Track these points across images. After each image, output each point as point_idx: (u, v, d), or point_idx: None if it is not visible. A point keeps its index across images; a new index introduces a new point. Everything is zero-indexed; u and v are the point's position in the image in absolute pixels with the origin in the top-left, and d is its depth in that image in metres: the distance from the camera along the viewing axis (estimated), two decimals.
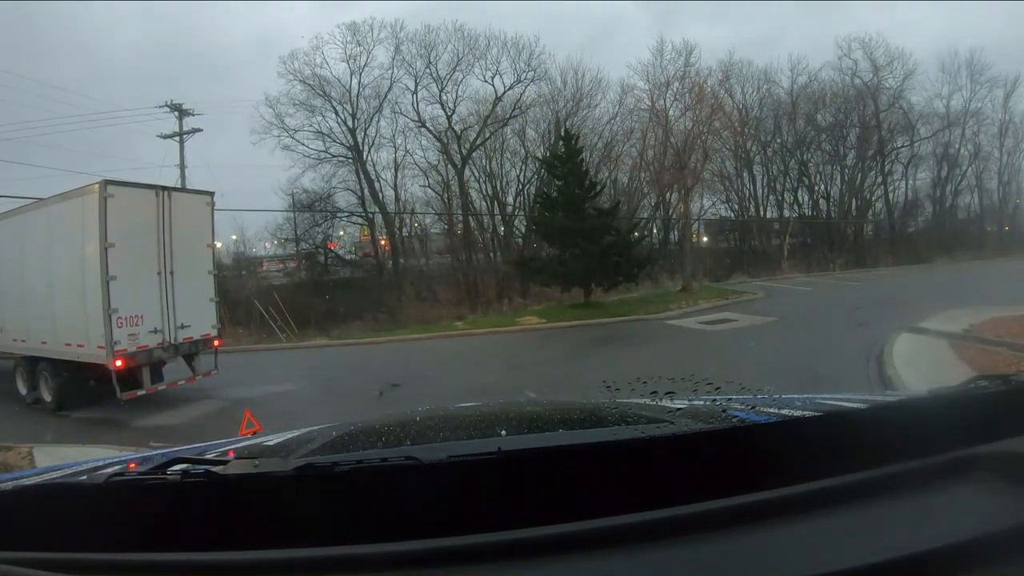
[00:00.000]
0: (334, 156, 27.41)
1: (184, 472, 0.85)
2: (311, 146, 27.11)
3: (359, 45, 26.89)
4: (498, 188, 28.65)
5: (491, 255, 28.44)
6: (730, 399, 1.35)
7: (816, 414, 1.19)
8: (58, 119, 29.91)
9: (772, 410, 1.21)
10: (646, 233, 28.15)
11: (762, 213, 33.45)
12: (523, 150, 28.38)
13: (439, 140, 27.73)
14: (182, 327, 8.81)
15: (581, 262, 17.99)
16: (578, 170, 19.18)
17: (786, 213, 33.31)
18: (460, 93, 27.73)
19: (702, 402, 1.38)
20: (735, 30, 43.39)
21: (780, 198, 33.87)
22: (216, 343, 9.49)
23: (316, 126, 27.07)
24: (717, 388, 1.67)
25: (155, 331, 8.46)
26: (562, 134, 22.04)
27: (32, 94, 30.38)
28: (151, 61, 39.04)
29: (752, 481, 0.81)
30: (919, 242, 33.06)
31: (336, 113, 27.26)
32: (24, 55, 32.56)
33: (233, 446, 1.41)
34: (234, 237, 27.15)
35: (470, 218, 28.09)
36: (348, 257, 29.74)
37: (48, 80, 37.09)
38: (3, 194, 12.70)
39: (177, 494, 0.83)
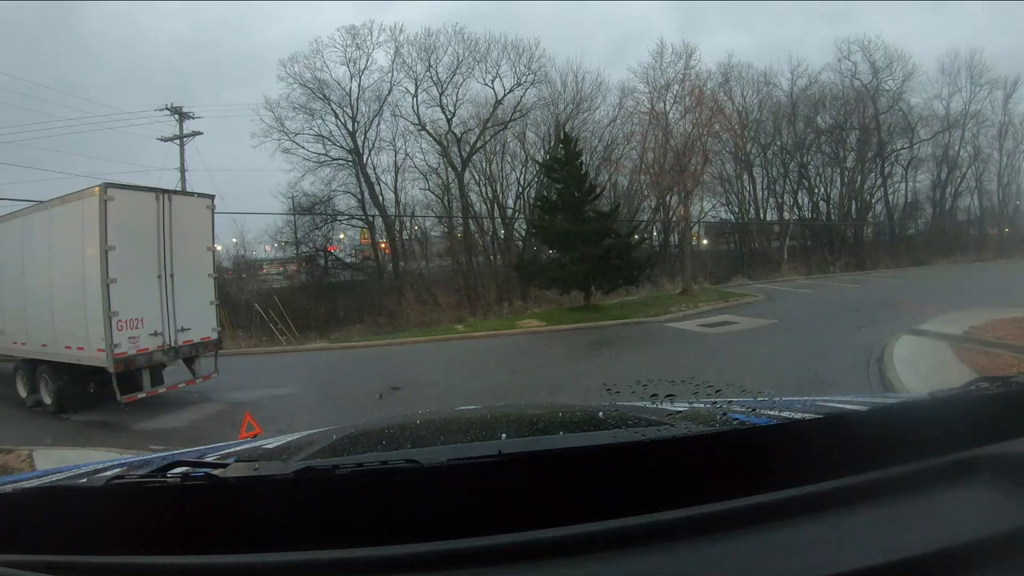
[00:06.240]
0: (334, 159, 27.50)
1: (184, 475, 0.85)
2: (311, 149, 27.21)
3: (359, 48, 27.00)
4: (498, 191, 28.71)
5: (491, 258, 28.45)
6: (730, 402, 1.35)
7: (817, 416, 1.19)
8: (59, 122, 30.09)
9: (772, 413, 1.20)
10: (646, 236, 28.16)
11: (762, 215, 33.53)
12: (523, 153, 28.51)
13: (439, 143, 27.78)
14: (182, 330, 8.80)
15: (581, 265, 17.99)
16: (577, 173, 19.19)
17: (786, 215, 33.38)
18: (460, 96, 27.83)
19: (702, 405, 1.38)
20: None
21: (780, 200, 33.94)
22: (216, 346, 9.48)
23: (316, 129, 27.17)
24: (717, 391, 1.67)
25: (155, 334, 8.45)
26: (561, 137, 22.07)
27: (33, 97, 30.44)
28: (151, 65, 39.17)
29: (752, 484, 0.81)
30: (919, 244, 33.10)
31: (336, 116, 27.36)
32: (25, 58, 32.70)
33: (233, 449, 1.40)
34: (234, 240, 27.21)
35: (470, 221, 28.11)
36: (348, 260, 29.75)
37: (47, 83, 37.23)
38: (3, 197, 12.70)
39: (177, 497, 0.83)
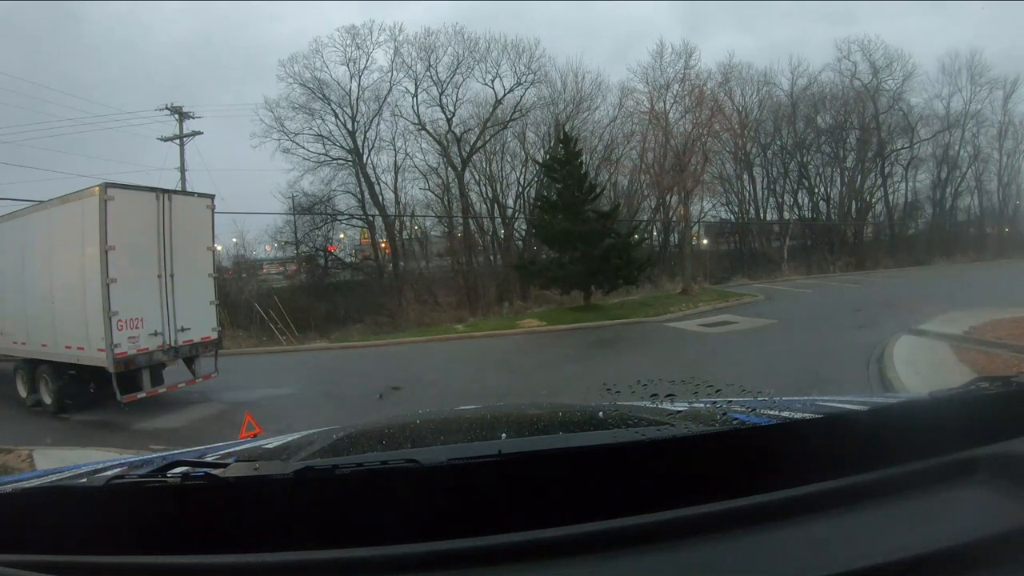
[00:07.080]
0: (334, 159, 27.47)
1: (184, 475, 0.85)
2: (311, 149, 27.18)
3: (358, 48, 26.97)
4: (498, 191, 28.69)
5: (491, 258, 28.43)
6: (730, 401, 1.35)
7: (816, 416, 1.19)
8: (60, 122, 30.06)
9: (772, 412, 1.20)
10: (646, 236, 28.14)
11: (762, 215, 33.53)
12: (523, 153, 28.48)
13: (439, 143, 27.75)
14: (182, 330, 8.80)
15: (581, 265, 17.99)
16: (577, 173, 19.19)
17: (786, 215, 33.38)
18: (460, 96, 27.79)
19: (702, 404, 1.38)
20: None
21: (780, 200, 33.95)
22: (216, 346, 9.48)
23: (316, 129, 27.15)
24: (717, 390, 1.67)
25: (155, 334, 8.44)
26: (561, 137, 22.07)
27: (33, 97, 30.44)
28: (152, 65, 39.17)
29: (752, 484, 0.81)
30: (919, 244, 33.12)
31: (336, 116, 27.33)
32: (26, 58, 32.70)
33: (233, 449, 1.40)
34: (234, 240, 27.16)
35: (470, 221, 28.09)
36: (348, 260, 29.74)
37: (48, 83, 37.23)
38: (3, 197, 12.69)
39: (177, 497, 0.83)
